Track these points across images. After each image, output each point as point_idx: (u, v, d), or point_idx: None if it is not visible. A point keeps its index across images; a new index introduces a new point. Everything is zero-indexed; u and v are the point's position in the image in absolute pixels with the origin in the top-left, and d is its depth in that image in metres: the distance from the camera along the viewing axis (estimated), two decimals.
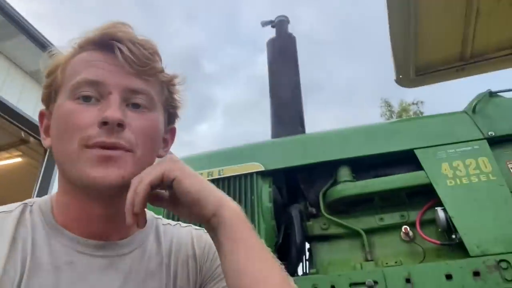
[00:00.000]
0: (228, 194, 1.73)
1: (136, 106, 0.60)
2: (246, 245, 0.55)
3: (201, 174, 1.81)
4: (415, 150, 1.73)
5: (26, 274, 0.54)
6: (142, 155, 0.58)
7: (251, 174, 1.79)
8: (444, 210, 1.54)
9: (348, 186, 1.72)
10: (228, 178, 1.80)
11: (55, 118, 0.60)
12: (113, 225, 0.62)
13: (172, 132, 0.71)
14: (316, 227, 1.74)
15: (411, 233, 1.61)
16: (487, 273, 1.38)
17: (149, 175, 0.55)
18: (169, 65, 0.65)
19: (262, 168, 1.80)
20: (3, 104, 4.46)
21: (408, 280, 1.43)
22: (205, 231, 0.72)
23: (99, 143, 0.55)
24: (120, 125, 0.56)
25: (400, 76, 2.63)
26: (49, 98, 0.64)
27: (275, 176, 1.84)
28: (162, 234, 0.69)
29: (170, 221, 0.74)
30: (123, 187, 0.56)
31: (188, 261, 0.67)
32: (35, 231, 0.59)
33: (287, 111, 2.19)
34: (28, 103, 4.79)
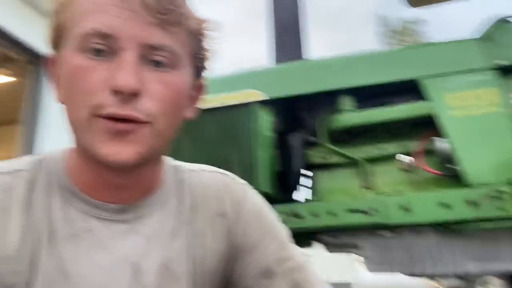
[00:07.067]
0: (227, 123, 1.74)
1: (156, 63, 0.50)
2: None
3: None
4: (420, 79, 1.67)
5: (43, 244, 0.51)
6: (162, 126, 0.50)
7: (250, 102, 1.73)
8: (446, 141, 1.54)
9: (350, 115, 1.69)
10: (227, 106, 1.74)
11: (63, 73, 0.51)
12: (133, 190, 0.56)
13: (199, 87, 0.61)
14: (316, 156, 1.75)
15: (410, 163, 1.62)
16: (482, 202, 1.41)
17: None
18: None
19: (262, 97, 1.74)
20: None
21: (405, 208, 1.47)
22: (232, 177, 0.67)
23: (111, 115, 0.47)
24: (136, 94, 0.47)
25: None
26: (56, 43, 0.53)
27: (275, 104, 1.79)
28: (183, 185, 0.62)
29: (191, 165, 0.67)
30: (141, 162, 0.50)
31: (216, 218, 0.61)
32: (50, 196, 0.54)
33: (288, 35, 2.05)
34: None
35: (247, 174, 1.58)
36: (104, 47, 0.48)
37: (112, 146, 0.47)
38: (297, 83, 1.80)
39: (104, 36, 0.48)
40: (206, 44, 0.57)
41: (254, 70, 1.91)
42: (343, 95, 1.75)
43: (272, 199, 1.65)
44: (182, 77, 0.53)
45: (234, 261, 0.61)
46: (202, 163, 1.80)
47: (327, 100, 1.79)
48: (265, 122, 1.70)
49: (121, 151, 0.47)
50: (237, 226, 0.62)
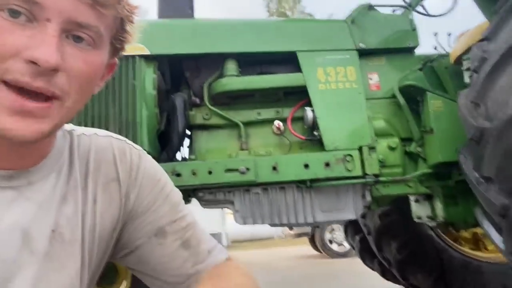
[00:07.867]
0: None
1: (78, 39, 0.48)
2: None
3: None
4: (297, 53, 1.84)
5: None
6: (72, 103, 0.49)
7: (133, 56, 1.67)
8: (312, 110, 1.76)
9: (233, 80, 1.78)
10: None
11: None
12: (26, 157, 0.54)
13: (112, 66, 0.60)
14: (198, 116, 1.80)
15: (282, 128, 1.81)
16: (335, 164, 1.69)
17: None
18: None
19: (146, 52, 1.69)
20: None
21: (274, 168, 1.67)
22: (129, 142, 0.67)
23: (21, 83, 0.44)
24: (55, 69, 0.45)
25: None
26: None
27: (160, 61, 1.76)
28: (76, 150, 0.60)
29: (84, 129, 0.64)
30: (43, 138, 0.48)
31: (109, 184, 0.61)
32: None
33: None
34: None
35: (128, 132, 1.55)
36: (25, 11, 0.45)
37: (15, 122, 0.45)
38: (183, 42, 1.79)
39: (30, 1, 0.44)
40: (129, 28, 0.56)
41: (138, 22, 1.82)
42: (228, 59, 1.82)
43: (153, 159, 1.67)
44: (100, 57, 0.52)
45: (126, 224, 0.63)
46: (78, 118, 1.68)
47: (212, 62, 1.83)
48: (149, 78, 1.67)
49: (25, 129, 0.46)
50: (131, 191, 0.63)
